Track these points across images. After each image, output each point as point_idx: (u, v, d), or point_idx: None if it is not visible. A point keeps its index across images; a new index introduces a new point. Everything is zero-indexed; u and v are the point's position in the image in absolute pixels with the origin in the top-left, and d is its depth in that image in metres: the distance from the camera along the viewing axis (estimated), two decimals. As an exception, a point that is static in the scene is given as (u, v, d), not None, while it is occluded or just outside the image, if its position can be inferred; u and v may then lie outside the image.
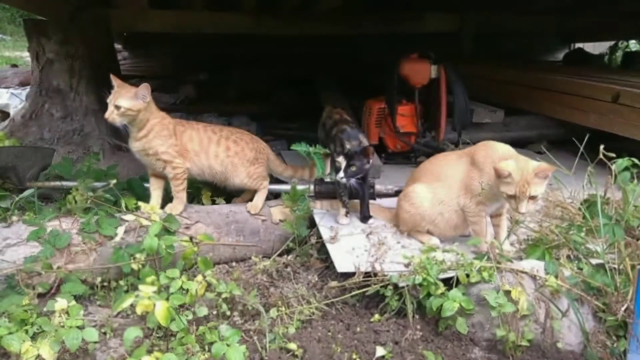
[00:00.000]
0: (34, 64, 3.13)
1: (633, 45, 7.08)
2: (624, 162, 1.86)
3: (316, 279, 1.79)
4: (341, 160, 1.82)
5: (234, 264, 1.91)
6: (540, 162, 1.60)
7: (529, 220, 2.02)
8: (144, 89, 1.81)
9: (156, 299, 1.34)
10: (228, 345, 1.17)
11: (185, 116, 3.82)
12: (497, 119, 3.17)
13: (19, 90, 4.36)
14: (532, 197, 1.55)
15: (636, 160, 1.87)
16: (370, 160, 1.88)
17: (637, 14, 4.30)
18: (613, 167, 1.78)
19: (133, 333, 1.28)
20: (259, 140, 2.24)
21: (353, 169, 1.83)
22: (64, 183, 2.22)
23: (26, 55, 9.08)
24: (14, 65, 6.66)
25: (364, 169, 1.87)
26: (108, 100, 1.81)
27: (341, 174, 1.82)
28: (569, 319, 1.46)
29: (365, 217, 2.00)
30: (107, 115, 1.80)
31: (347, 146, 1.83)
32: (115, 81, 1.84)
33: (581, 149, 1.91)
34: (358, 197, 2.05)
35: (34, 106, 3.09)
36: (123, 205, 1.81)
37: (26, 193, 1.99)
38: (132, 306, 1.56)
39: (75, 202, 1.95)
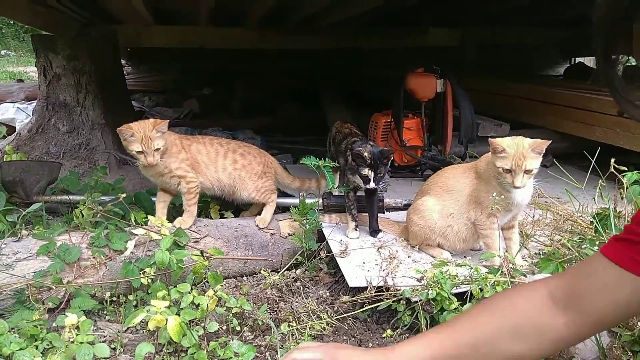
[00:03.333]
0: (41, 79, 3.16)
1: (633, 60, 7.12)
2: (633, 175, 1.86)
3: (327, 293, 1.77)
4: (367, 172, 1.85)
5: (243, 278, 1.89)
6: (533, 140, 1.61)
7: (540, 234, 2.02)
8: (164, 125, 1.82)
9: (168, 314, 1.32)
10: (243, 361, 1.15)
11: (191, 131, 3.84)
12: (503, 132, 3.18)
13: (25, 104, 4.39)
14: (528, 171, 1.57)
15: (645, 174, 1.88)
16: (389, 163, 1.94)
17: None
18: (624, 180, 1.78)
19: (145, 349, 1.27)
20: (266, 154, 2.24)
21: (380, 175, 1.87)
22: (71, 197, 2.22)
23: (30, 70, 9.17)
24: (20, 80, 6.71)
25: (387, 170, 1.93)
26: (140, 149, 1.79)
27: (372, 184, 1.86)
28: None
29: (375, 231, 1.99)
30: (152, 161, 1.79)
31: (366, 155, 1.85)
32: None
33: (593, 162, 1.91)
34: (367, 211, 2.04)
35: (41, 120, 3.10)
36: (132, 219, 1.81)
37: (33, 207, 1.99)
38: (142, 321, 1.55)
39: (82, 216, 1.94)
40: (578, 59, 6.28)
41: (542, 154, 1.61)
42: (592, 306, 0.87)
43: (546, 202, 2.33)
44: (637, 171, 1.89)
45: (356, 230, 1.99)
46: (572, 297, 0.88)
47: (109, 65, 3.44)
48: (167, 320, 1.30)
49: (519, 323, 0.92)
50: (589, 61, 6.42)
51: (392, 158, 1.97)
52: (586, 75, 5.61)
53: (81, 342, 1.26)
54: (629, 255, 0.83)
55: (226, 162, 2.02)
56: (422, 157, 2.84)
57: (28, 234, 1.70)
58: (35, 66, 3.27)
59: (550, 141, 1.63)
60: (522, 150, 1.58)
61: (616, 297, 0.85)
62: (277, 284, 1.81)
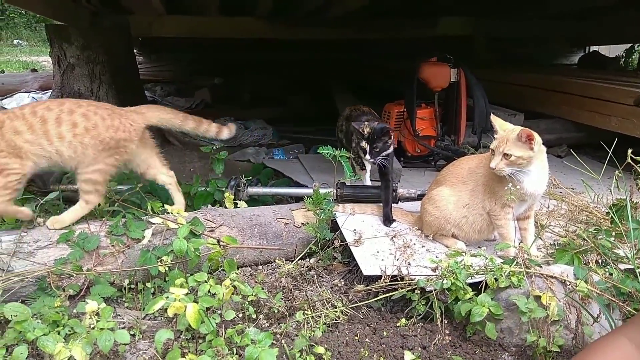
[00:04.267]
0: (56, 69, 3.19)
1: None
2: (649, 166, 1.84)
3: (342, 282, 1.78)
4: (364, 145, 1.99)
5: (258, 267, 1.91)
6: (524, 128, 1.62)
7: (554, 225, 2.01)
8: None
9: (187, 301, 1.34)
10: (261, 348, 1.17)
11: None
12: (517, 122, 3.15)
13: (40, 94, 4.43)
14: (506, 155, 1.59)
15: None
16: (391, 140, 2.07)
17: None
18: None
19: (164, 335, 1.29)
20: (128, 113, 1.85)
21: (377, 149, 1.98)
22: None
23: (42, 60, 9.23)
24: (34, 70, 6.76)
25: (387, 147, 2.02)
26: None
27: (367, 156, 2.00)
28: (600, 324, 1.44)
29: (388, 220, 2.00)
30: None
31: (366, 130, 1.99)
32: None
33: (610, 152, 1.89)
34: (381, 201, 2.05)
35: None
36: (149, 208, 1.83)
37: (51, 196, 2.02)
38: (161, 308, 1.58)
39: (99, 205, 1.97)
40: (593, 48, 6.19)
41: (531, 145, 1.59)
42: None
43: (561, 192, 2.32)
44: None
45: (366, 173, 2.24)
46: None
47: (122, 55, 3.46)
48: (185, 307, 1.32)
49: None
50: (604, 50, 6.32)
51: (391, 136, 2.07)
52: (601, 64, 5.54)
53: (102, 329, 1.28)
54: None
55: (62, 129, 1.68)
56: (435, 147, 2.83)
57: (43, 222, 1.72)
58: (50, 56, 3.30)
59: (536, 134, 1.61)
60: (507, 135, 1.62)
61: None
62: (292, 273, 1.82)
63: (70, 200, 2.33)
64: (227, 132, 2.06)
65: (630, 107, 2.86)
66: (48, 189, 2.21)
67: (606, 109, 3.04)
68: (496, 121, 1.70)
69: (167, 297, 1.35)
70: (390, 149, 2.05)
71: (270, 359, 1.15)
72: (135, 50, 5.93)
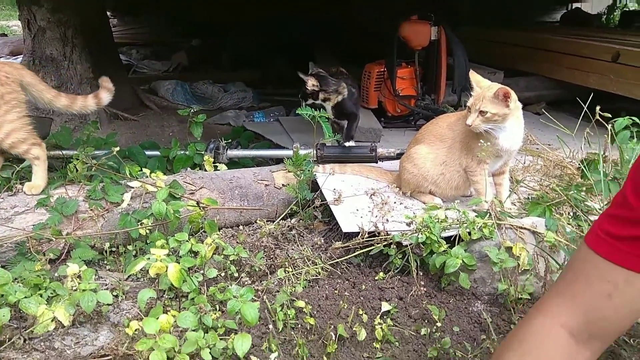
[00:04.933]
0: (26, 33, 3.07)
1: (631, 4, 6.98)
2: (624, 121, 1.88)
3: (322, 241, 1.82)
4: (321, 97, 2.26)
5: (239, 227, 1.94)
6: (501, 86, 1.64)
7: (530, 180, 2.06)
8: None
9: (168, 261, 1.36)
10: (242, 302, 1.20)
11: (181, 84, 3.79)
12: (497, 80, 3.15)
13: (11, 60, 4.28)
14: (482, 112, 1.62)
15: (636, 119, 1.89)
16: (342, 86, 2.29)
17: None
18: (609, 126, 1.80)
19: (147, 294, 1.31)
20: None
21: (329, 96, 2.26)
22: (65, 152, 2.21)
23: (12, 24, 8.86)
24: (3, 35, 6.50)
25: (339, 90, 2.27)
26: None
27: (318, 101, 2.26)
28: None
29: (349, 137, 2.29)
30: None
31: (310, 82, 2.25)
32: None
33: (584, 108, 1.92)
34: (361, 161, 2.09)
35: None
36: (127, 172, 1.82)
37: (27, 162, 1.99)
38: (143, 269, 1.60)
39: (77, 170, 1.95)
40: (576, 5, 6.15)
41: (507, 102, 1.61)
42: (615, 324, 0.83)
43: (537, 148, 2.36)
44: (628, 117, 1.91)
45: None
46: (593, 330, 0.82)
47: (95, 17, 3.35)
48: (167, 267, 1.34)
49: None
50: (587, 7, 6.28)
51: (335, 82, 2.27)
52: (584, 21, 5.52)
53: (84, 290, 1.30)
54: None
55: None
56: (416, 107, 2.83)
57: (21, 189, 1.71)
58: (19, 19, 3.16)
59: (512, 91, 1.63)
60: (484, 92, 1.64)
61: (638, 303, 0.80)
62: (273, 233, 1.85)
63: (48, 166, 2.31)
64: (105, 94, 1.92)
65: (608, 63, 2.89)
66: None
67: (585, 65, 3.06)
68: (474, 77, 1.71)
69: (149, 258, 1.37)
70: (345, 92, 2.27)
71: (251, 311, 1.18)
72: (109, 13, 5.72)
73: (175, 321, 1.20)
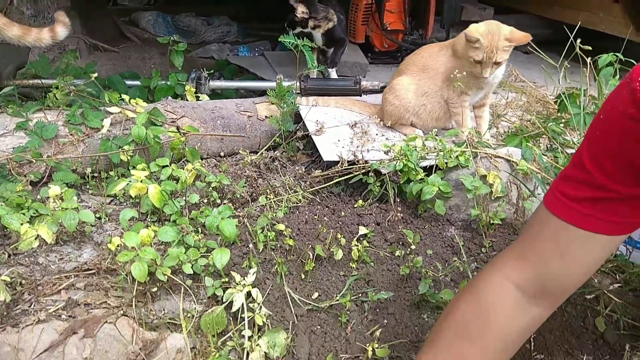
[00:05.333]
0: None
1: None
2: (608, 57, 1.88)
3: (303, 171, 1.84)
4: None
5: (222, 158, 1.95)
6: (512, 29, 1.62)
7: (511, 115, 2.08)
8: None
9: (148, 182, 1.39)
10: (221, 218, 1.24)
11: (162, 16, 3.66)
12: (487, 16, 3.10)
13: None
14: (497, 63, 1.62)
15: (620, 55, 1.89)
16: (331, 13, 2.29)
17: None
18: (588, 60, 1.80)
19: (129, 214, 1.34)
20: None
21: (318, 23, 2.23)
22: (44, 81, 2.17)
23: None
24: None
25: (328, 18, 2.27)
26: None
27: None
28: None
29: (334, 63, 2.33)
30: None
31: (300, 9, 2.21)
32: None
33: (567, 44, 1.91)
34: (343, 94, 2.08)
35: (2, 4, 2.91)
36: (106, 98, 1.80)
37: (6, 90, 1.95)
38: (125, 193, 1.62)
39: (57, 99, 1.92)
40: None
41: (512, 46, 1.61)
42: (565, 282, 0.85)
43: (522, 85, 2.36)
44: (612, 53, 1.91)
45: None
46: (543, 288, 0.84)
47: None
48: (147, 187, 1.36)
49: (506, 342, 0.87)
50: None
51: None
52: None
53: (66, 209, 1.32)
54: (595, 216, 0.78)
55: None
56: (403, 42, 2.79)
57: (2, 112, 1.69)
58: (-13, -60, 2.98)
59: (530, 38, 1.61)
60: (496, 43, 1.58)
61: (588, 263, 0.82)
62: (256, 163, 1.87)
63: (26, 96, 2.27)
64: (62, 28, 1.81)
65: (599, 1, 2.84)
66: (1, 84, 2.13)
67: (575, 3, 3.01)
68: (469, 33, 1.60)
69: (129, 179, 1.39)
70: (334, 19, 2.29)
71: (229, 227, 1.22)
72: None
73: (156, 236, 1.24)
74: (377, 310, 1.31)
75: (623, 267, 1.40)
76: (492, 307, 0.87)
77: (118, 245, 1.24)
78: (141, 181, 1.36)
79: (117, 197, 1.63)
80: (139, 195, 1.42)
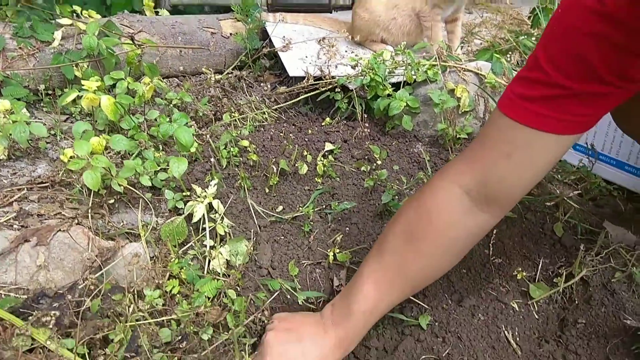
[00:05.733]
0: None
1: None
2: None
3: (269, 90, 1.78)
4: None
5: (184, 75, 1.87)
6: None
7: (486, 33, 2.02)
8: None
9: (101, 94, 1.32)
10: (177, 126, 1.19)
11: None
12: None
13: None
14: None
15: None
16: None
17: None
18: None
19: (82, 126, 1.28)
20: None
21: None
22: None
23: None
24: None
25: None
26: None
27: None
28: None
29: None
30: None
31: None
32: None
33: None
34: (315, 11, 1.97)
35: None
36: (57, 10, 1.68)
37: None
38: (82, 111, 1.55)
39: (3, 10, 1.79)
40: None
41: None
42: (511, 186, 0.84)
43: (498, 5, 2.29)
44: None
45: None
46: (491, 192, 0.84)
47: None
48: (100, 99, 1.30)
49: (449, 243, 0.89)
50: None
51: None
52: None
53: (15, 121, 1.26)
54: (545, 114, 0.76)
55: None
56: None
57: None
58: None
59: None
60: None
61: (536, 164, 0.81)
62: (221, 81, 1.80)
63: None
64: None
65: None
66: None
67: None
68: None
69: (80, 90, 1.32)
70: None
71: (185, 135, 1.18)
72: None
73: (109, 148, 1.19)
74: (341, 220, 1.32)
75: (585, 178, 1.42)
76: (436, 209, 0.87)
77: (71, 157, 1.19)
78: (94, 92, 1.29)
79: (73, 115, 1.56)
80: (94, 111, 1.35)
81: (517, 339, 1.07)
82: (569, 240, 1.23)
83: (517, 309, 1.11)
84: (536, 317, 1.11)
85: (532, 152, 0.79)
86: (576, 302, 1.11)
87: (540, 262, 1.18)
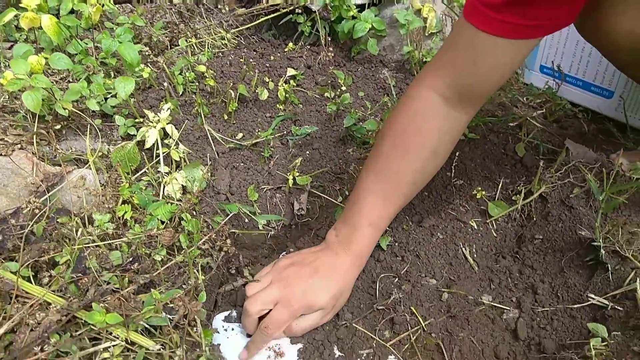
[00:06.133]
0: None
1: None
2: None
3: (230, 18, 1.69)
4: None
5: (138, 1, 1.75)
6: None
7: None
8: None
9: (42, 13, 1.22)
10: (120, 42, 1.11)
11: None
12: None
13: None
14: None
15: None
16: None
17: None
18: None
19: (23, 48, 1.19)
20: None
21: None
22: None
23: None
24: None
25: None
26: None
27: None
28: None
29: None
30: None
31: None
32: None
33: None
34: None
35: None
36: None
37: None
38: (27, 38, 1.45)
39: None
40: None
41: None
42: (481, 87, 0.89)
43: None
44: None
45: None
46: (462, 94, 0.89)
47: None
48: (41, 18, 1.20)
49: (435, 145, 0.93)
50: None
51: None
52: None
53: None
54: (507, 21, 0.77)
55: None
56: None
57: None
58: None
59: None
60: None
61: (501, 67, 0.85)
62: (177, 5, 1.69)
63: None
64: None
65: None
66: None
67: None
68: None
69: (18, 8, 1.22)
70: None
71: (130, 52, 1.10)
72: None
73: (50, 68, 1.11)
74: (302, 145, 1.28)
75: (550, 100, 1.40)
76: (420, 115, 0.92)
77: (11, 79, 1.11)
78: (34, 10, 1.19)
79: (18, 42, 1.45)
80: (36, 34, 1.26)
81: (475, 255, 1.08)
82: (530, 160, 1.22)
83: (475, 227, 1.12)
84: (494, 234, 1.11)
85: (497, 57, 0.83)
86: (534, 218, 1.11)
87: (501, 182, 1.18)
